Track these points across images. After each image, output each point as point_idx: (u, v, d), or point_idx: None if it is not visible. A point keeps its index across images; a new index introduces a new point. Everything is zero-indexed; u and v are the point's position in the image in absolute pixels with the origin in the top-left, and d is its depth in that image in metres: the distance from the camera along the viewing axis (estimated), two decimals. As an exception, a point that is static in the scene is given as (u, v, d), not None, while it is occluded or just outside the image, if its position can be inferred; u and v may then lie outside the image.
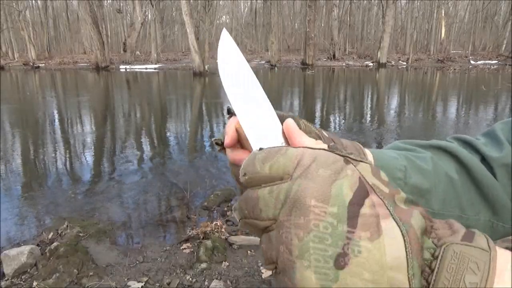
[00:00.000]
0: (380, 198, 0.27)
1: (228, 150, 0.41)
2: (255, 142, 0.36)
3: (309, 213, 0.27)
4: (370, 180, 0.28)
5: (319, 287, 0.25)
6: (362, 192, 0.27)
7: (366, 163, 0.30)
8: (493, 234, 0.52)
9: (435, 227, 0.28)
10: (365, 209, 0.26)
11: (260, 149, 0.32)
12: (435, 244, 0.27)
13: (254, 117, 0.38)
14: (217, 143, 0.43)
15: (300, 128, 0.41)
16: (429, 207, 0.49)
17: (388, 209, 0.27)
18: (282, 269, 0.28)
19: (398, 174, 0.48)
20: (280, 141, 0.37)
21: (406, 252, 0.25)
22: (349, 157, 0.30)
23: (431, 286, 0.25)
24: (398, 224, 0.26)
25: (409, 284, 0.25)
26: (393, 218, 0.26)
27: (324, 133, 0.44)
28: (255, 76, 0.41)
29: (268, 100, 0.39)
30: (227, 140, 0.40)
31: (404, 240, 0.26)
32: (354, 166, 0.29)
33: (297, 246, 0.26)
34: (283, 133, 0.38)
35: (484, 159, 0.52)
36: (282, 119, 0.40)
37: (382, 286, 0.25)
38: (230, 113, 0.41)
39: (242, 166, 0.32)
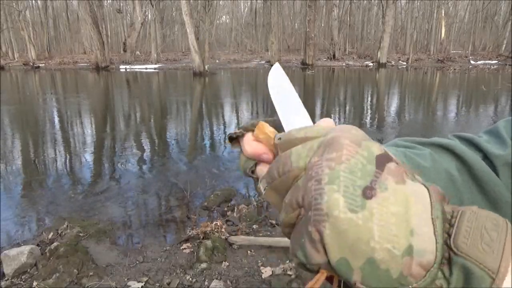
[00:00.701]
0: (402, 167, 0.29)
1: (247, 139, 0.40)
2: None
3: (342, 149, 0.28)
4: (393, 156, 0.30)
5: (346, 210, 0.26)
6: (387, 156, 0.29)
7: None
8: None
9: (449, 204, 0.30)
10: (391, 165, 0.28)
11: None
12: (453, 210, 0.28)
13: (292, 115, 0.39)
14: (232, 137, 0.42)
15: None
16: None
17: (408, 175, 0.28)
18: (308, 204, 0.28)
19: None
20: None
21: (430, 196, 0.27)
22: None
23: (452, 235, 0.26)
24: (421, 181, 0.28)
25: (433, 226, 0.26)
26: (412, 180, 0.28)
27: None
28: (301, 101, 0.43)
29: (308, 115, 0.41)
30: (247, 154, 0.39)
31: (428, 189, 0.28)
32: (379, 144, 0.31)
33: (327, 174, 0.27)
34: None
35: (486, 157, 0.51)
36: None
37: (406, 223, 0.26)
38: (232, 139, 0.42)
39: (276, 135, 0.33)
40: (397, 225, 0.26)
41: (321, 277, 0.28)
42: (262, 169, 0.38)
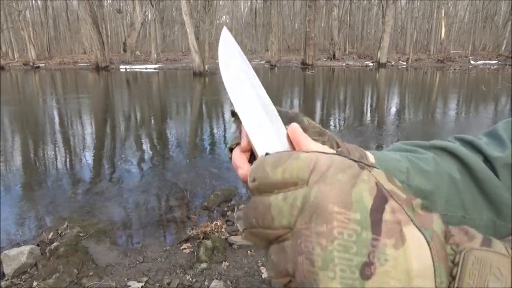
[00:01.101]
0: (399, 204, 0.26)
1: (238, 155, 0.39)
2: (260, 147, 0.34)
3: (332, 220, 0.25)
4: (387, 186, 0.27)
5: None
6: (381, 198, 0.26)
7: (379, 169, 0.29)
8: (494, 233, 0.51)
9: (452, 232, 0.27)
10: (387, 215, 0.25)
11: (267, 154, 0.30)
12: (454, 250, 0.26)
13: (258, 121, 0.36)
14: (231, 148, 0.41)
15: (304, 126, 0.40)
16: (433, 209, 0.49)
17: (408, 215, 0.26)
18: (301, 282, 0.25)
19: (401, 176, 0.47)
20: (286, 146, 0.35)
21: (432, 259, 0.24)
22: (363, 163, 0.28)
23: (456, 281, 0.24)
24: (421, 231, 0.25)
25: None
26: (414, 224, 0.25)
27: (327, 131, 0.44)
28: (257, 78, 0.40)
29: (271, 103, 0.38)
30: (244, 143, 0.38)
31: (430, 247, 0.25)
32: (369, 171, 0.28)
33: (320, 256, 0.24)
34: (288, 137, 0.36)
35: (486, 159, 0.51)
36: (285, 116, 0.39)
37: None
38: (235, 115, 0.40)
39: (250, 171, 0.30)
40: None
41: None
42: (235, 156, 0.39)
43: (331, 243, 0.24)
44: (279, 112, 0.40)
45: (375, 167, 0.29)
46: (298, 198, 0.27)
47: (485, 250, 0.25)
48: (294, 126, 0.36)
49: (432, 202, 0.48)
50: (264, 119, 0.37)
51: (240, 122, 0.39)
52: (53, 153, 6.38)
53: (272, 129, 0.36)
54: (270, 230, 0.27)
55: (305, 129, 0.40)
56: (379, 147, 6.68)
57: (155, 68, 25.70)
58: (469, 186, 0.50)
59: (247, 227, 0.29)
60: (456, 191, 0.50)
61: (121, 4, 38.50)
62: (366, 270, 0.24)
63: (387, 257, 0.24)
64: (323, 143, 0.40)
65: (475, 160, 0.51)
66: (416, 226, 0.25)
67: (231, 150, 0.41)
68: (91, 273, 2.78)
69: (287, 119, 0.40)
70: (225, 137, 7.37)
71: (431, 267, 0.24)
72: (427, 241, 0.25)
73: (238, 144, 0.40)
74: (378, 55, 26.56)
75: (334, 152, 0.31)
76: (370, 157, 0.47)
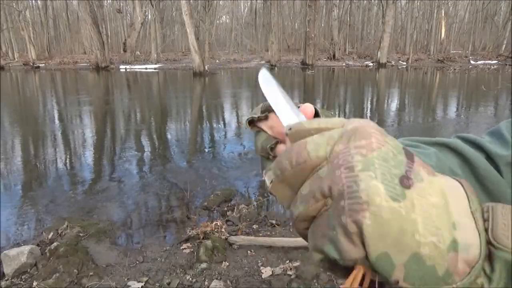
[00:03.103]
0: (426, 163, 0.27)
1: (274, 118, 0.40)
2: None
3: (371, 137, 0.26)
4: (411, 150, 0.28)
5: (388, 198, 0.23)
6: (409, 151, 0.27)
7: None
8: None
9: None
10: (417, 158, 0.27)
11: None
12: (481, 206, 0.26)
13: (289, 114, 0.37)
14: (252, 120, 0.42)
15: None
16: None
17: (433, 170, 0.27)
18: (339, 193, 0.25)
19: None
20: None
21: (464, 189, 0.25)
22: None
23: (490, 230, 0.24)
24: (449, 177, 0.27)
25: (474, 219, 0.25)
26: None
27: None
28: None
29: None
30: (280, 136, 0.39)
31: (460, 183, 0.26)
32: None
33: (360, 161, 0.25)
34: None
35: (489, 157, 0.51)
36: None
37: (447, 215, 0.24)
38: (253, 122, 0.42)
39: (287, 124, 0.31)
40: (439, 217, 0.24)
41: (359, 273, 0.25)
42: (283, 148, 0.39)
43: (371, 152, 0.25)
44: None
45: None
46: (335, 133, 0.28)
47: (509, 205, 0.26)
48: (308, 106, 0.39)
49: None
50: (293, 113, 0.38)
51: (256, 128, 0.43)
52: (53, 153, 6.38)
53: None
54: (305, 164, 0.27)
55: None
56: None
57: (155, 68, 25.69)
58: (471, 183, 0.48)
59: (277, 174, 0.29)
60: None
61: (121, 4, 38.49)
62: (404, 181, 0.24)
63: (423, 178, 0.25)
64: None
65: (476, 156, 0.51)
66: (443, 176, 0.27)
67: (250, 123, 0.43)
68: (91, 273, 2.78)
69: None
70: (225, 137, 7.37)
71: (464, 196, 0.25)
72: (457, 181, 0.26)
73: (262, 117, 0.42)
74: (378, 55, 26.55)
75: None
76: None
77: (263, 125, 0.42)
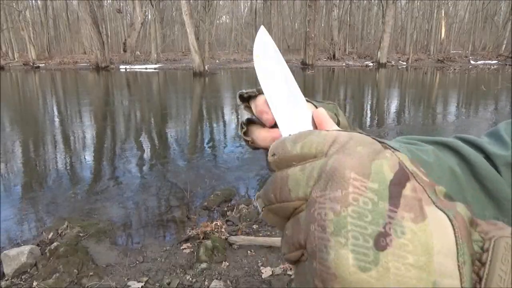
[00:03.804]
0: (421, 185, 0.25)
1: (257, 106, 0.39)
2: (285, 128, 0.35)
3: (348, 186, 0.24)
4: (410, 167, 0.26)
5: (356, 270, 0.22)
6: (403, 175, 0.25)
7: (402, 153, 0.27)
8: None
9: (478, 222, 0.25)
10: (407, 191, 0.24)
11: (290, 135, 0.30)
12: (482, 237, 0.24)
13: (284, 103, 0.36)
14: (243, 97, 0.40)
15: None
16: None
17: (429, 197, 0.24)
18: (311, 252, 0.24)
19: None
20: (310, 129, 0.36)
21: (455, 236, 0.22)
22: (386, 143, 0.28)
23: (484, 279, 0.22)
24: (443, 211, 0.24)
25: (459, 273, 0.22)
26: (436, 206, 0.24)
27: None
28: (287, 67, 0.40)
29: (298, 88, 0.38)
30: (270, 118, 0.37)
31: (453, 225, 0.23)
32: (392, 151, 0.27)
33: (332, 221, 0.23)
34: (313, 121, 0.36)
35: (488, 158, 0.51)
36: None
37: (427, 274, 0.22)
38: (243, 98, 0.40)
39: (270, 148, 0.30)
40: (418, 278, 0.21)
41: None
42: (252, 130, 0.39)
43: (345, 208, 0.23)
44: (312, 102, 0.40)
45: (398, 150, 0.27)
46: (316, 168, 0.26)
47: None
48: (320, 110, 0.36)
49: None
50: (290, 101, 0.37)
51: (248, 107, 0.40)
52: (53, 153, 6.38)
53: (297, 111, 0.37)
54: (287, 203, 0.27)
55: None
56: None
57: (155, 68, 25.69)
58: (470, 182, 0.50)
59: (266, 204, 0.29)
60: (458, 186, 0.50)
61: (121, 4, 38.50)
62: (381, 241, 0.22)
63: (405, 230, 0.22)
64: (327, 104, 0.42)
65: (476, 156, 0.51)
66: (438, 208, 0.24)
67: (242, 99, 0.40)
68: (91, 273, 2.78)
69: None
70: (225, 137, 7.37)
71: (454, 245, 0.22)
72: (449, 220, 0.23)
73: (253, 94, 0.40)
74: (378, 55, 26.56)
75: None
76: None
77: (252, 102, 0.40)
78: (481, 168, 0.50)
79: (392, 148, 0.28)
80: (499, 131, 0.54)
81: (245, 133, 0.39)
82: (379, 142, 0.28)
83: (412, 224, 0.22)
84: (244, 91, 0.40)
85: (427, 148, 0.52)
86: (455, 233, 0.23)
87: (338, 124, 0.39)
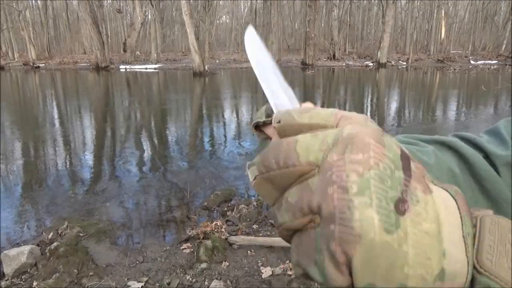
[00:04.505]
0: (422, 168, 0.26)
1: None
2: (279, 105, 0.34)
3: (369, 150, 0.24)
4: (407, 152, 0.27)
5: (381, 231, 0.22)
6: (407, 155, 0.26)
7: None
8: None
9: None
10: (413, 167, 0.25)
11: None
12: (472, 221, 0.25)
13: (278, 86, 0.36)
14: (258, 125, 0.38)
15: None
16: None
17: (429, 177, 0.26)
18: (329, 215, 0.23)
19: None
20: None
21: (459, 209, 0.24)
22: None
23: (475, 249, 0.24)
24: (444, 188, 0.25)
25: (465, 245, 0.23)
26: (434, 184, 0.26)
27: None
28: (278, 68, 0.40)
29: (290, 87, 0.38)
30: None
31: (455, 200, 0.25)
32: (390, 136, 0.27)
33: (356, 182, 0.23)
34: None
35: (487, 157, 0.51)
36: None
37: (439, 244, 0.23)
38: (258, 128, 0.38)
39: (275, 116, 0.30)
40: (431, 246, 0.23)
41: None
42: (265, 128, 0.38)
43: (367, 171, 0.23)
44: None
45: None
46: (329, 135, 0.25)
47: (501, 217, 0.25)
48: (308, 103, 0.36)
49: None
50: (284, 97, 0.36)
51: (263, 135, 0.38)
52: (53, 153, 6.38)
53: (289, 96, 0.36)
54: (292, 168, 0.25)
55: None
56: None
57: (155, 68, 25.69)
58: (469, 182, 0.50)
59: (262, 172, 0.27)
60: (456, 185, 0.50)
61: (121, 4, 38.49)
62: (400, 206, 0.23)
63: (419, 199, 0.24)
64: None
65: (475, 155, 0.50)
66: (439, 186, 0.26)
67: (256, 127, 0.39)
68: (91, 273, 2.78)
69: None
70: (225, 137, 7.37)
71: (458, 218, 0.24)
72: (451, 195, 0.25)
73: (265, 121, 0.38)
74: (378, 55, 26.55)
75: None
76: None
77: (269, 130, 0.37)
78: (480, 169, 0.49)
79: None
80: (499, 129, 0.53)
81: (257, 128, 0.38)
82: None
83: (423, 195, 0.24)
84: (258, 120, 0.38)
85: (428, 149, 0.51)
86: (458, 207, 0.24)
87: None
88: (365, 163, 0.24)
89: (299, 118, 0.27)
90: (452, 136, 0.56)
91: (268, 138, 0.37)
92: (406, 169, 0.24)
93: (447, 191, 0.25)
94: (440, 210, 0.24)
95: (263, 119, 0.37)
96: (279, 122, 0.28)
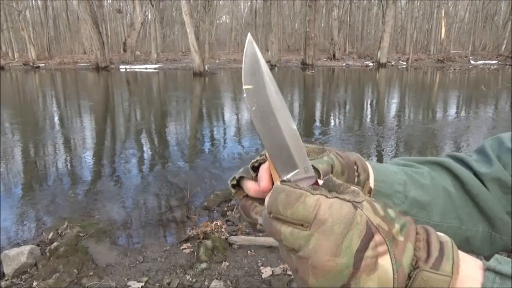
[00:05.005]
0: (383, 237, 0.32)
1: (249, 186, 0.43)
2: (279, 170, 0.39)
3: (323, 266, 0.32)
4: (374, 220, 0.33)
5: None
6: (368, 236, 0.32)
7: (367, 200, 0.34)
8: (492, 245, 0.55)
9: (419, 246, 0.33)
10: (369, 252, 0.32)
11: (283, 181, 0.36)
12: (413, 266, 0.32)
13: (278, 142, 0.39)
14: (233, 185, 0.45)
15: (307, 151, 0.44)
16: (430, 219, 0.52)
17: (387, 246, 0.32)
18: (299, 279, 0.35)
19: (398, 187, 0.51)
20: (303, 165, 0.39)
21: (393, 278, 0.32)
22: (355, 202, 0.34)
23: None
24: (392, 262, 0.32)
25: None
26: (389, 255, 0.32)
27: (327, 148, 0.47)
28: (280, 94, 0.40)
29: (293, 122, 0.39)
30: (264, 184, 0.41)
31: (394, 278, 0.32)
32: (361, 210, 0.33)
33: (312, 282, 0.33)
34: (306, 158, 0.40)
35: (476, 175, 0.55)
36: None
37: None
38: (237, 183, 0.45)
39: (266, 204, 0.36)
40: None
41: None
42: (244, 183, 0.44)
43: (321, 277, 0.32)
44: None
45: (364, 200, 0.34)
46: (301, 238, 0.33)
47: (432, 272, 0.32)
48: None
49: (428, 212, 0.52)
50: (285, 143, 0.39)
51: (239, 190, 0.45)
52: (53, 153, 6.38)
53: (291, 151, 0.39)
54: (277, 240, 0.36)
55: (308, 153, 0.43)
56: (378, 146, 6.68)
57: (155, 68, 25.69)
58: (464, 199, 0.54)
59: (262, 226, 0.38)
60: (452, 203, 0.53)
61: (121, 4, 38.48)
62: None
63: (360, 282, 0.32)
64: (328, 155, 0.46)
65: (466, 174, 0.55)
66: (390, 258, 0.32)
67: (233, 186, 0.46)
68: (91, 273, 2.78)
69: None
70: (225, 137, 7.37)
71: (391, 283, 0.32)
72: (393, 272, 0.32)
73: (258, 163, 0.44)
74: (378, 55, 26.54)
75: (335, 194, 0.35)
76: (370, 168, 0.50)
77: (243, 182, 0.45)
78: (472, 186, 0.53)
79: (359, 203, 0.33)
80: (485, 149, 0.58)
81: (235, 186, 0.45)
82: (351, 202, 0.33)
83: (366, 278, 0.32)
84: (237, 175, 0.45)
85: (423, 171, 0.55)
86: (393, 284, 0.32)
87: (331, 171, 0.44)
88: (320, 272, 0.32)
89: (284, 213, 0.34)
90: (446, 157, 0.61)
91: (244, 196, 0.44)
92: (357, 262, 0.32)
93: (392, 267, 0.32)
94: (378, 285, 0.32)
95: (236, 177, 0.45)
96: (270, 213, 0.35)
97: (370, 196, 0.47)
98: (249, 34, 0.40)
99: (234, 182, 0.45)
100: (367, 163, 0.50)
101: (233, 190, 0.45)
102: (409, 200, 0.51)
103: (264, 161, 0.43)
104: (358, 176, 0.48)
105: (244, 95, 0.38)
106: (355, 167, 0.48)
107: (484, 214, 0.53)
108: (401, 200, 0.51)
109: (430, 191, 0.53)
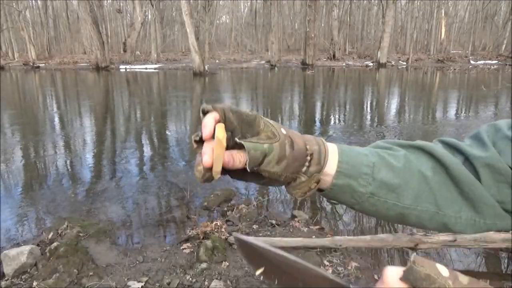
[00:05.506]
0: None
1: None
2: None
3: None
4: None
5: None
6: None
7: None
8: (475, 230, 0.54)
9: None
10: None
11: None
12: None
13: None
14: (195, 141, 0.49)
15: (258, 129, 0.49)
16: (401, 202, 0.52)
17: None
18: None
19: (365, 169, 0.51)
20: None
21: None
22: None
23: None
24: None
25: None
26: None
27: (282, 130, 0.49)
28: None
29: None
30: (206, 132, 0.45)
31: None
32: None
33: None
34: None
35: (467, 160, 0.54)
36: (245, 119, 0.48)
37: None
38: (205, 112, 0.48)
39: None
40: None
41: None
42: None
43: None
44: (240, 115, 0.47)
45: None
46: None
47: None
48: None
49: (399, 195, 0.52)
50: None
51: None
52: (53, 153, 6.38)
53: None
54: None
55: (258, 132, 0.48)
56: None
57: (155, 68, 25.68)
58: (445, 184, 0.53)
59: None
60: (427, 188, 0.53)
61: (121, 4, 38.48)
62: None
63: None
64: (271, 143, 0.47)
65: (451, 159, 0.53)
66: None
67: (195, 141, 0.50)
68: (91, 273, 2.78)
69: (246, 122, 0.48)
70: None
71: None
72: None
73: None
74: (378, 55, 26.54)
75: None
76: (331, 148, 0.52)
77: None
78: (454, 170, 0.52)
79: None
80: (480, 134, 0.57)
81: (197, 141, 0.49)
82: None
83: None
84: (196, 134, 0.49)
85: (398, 154, 0.55)
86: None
87: (257, 134, 0.49)
88: None
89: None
90: (435, 141, 0.59)
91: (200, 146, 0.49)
92: None
93: None
94: None
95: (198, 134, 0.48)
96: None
97: (317, 185, 0.51)
98: (233, 234, 0.49)
99: (197, 138, 0.48)
100: (328, 144, 0.52)
101: (194, 145, 0.49)
102: (377, 182, 0.51)
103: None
104: (308, 167, 0.50)
105: (261, 277, 0.43)
106: (308, 158, 0.50)
107: (469, 200, 0.52)
108: (368, 181, 0.51)
109: (402, 174, 0.52)
